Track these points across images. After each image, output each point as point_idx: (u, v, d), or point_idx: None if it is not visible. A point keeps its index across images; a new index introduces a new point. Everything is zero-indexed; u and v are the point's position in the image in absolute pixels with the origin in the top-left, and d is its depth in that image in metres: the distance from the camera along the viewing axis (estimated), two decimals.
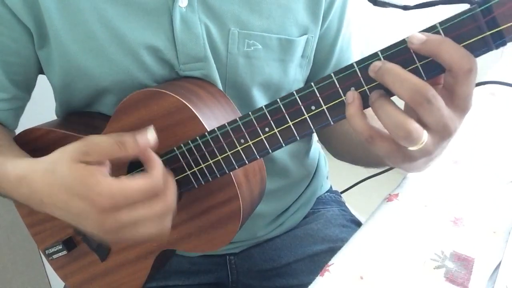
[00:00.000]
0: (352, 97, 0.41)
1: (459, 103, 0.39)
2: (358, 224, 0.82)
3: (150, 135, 0.44)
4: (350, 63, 0.70)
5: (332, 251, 0.57)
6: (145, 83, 0.57)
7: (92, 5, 0.53)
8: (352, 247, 0.56)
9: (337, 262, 0.54)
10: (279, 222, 0.76)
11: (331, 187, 0.89)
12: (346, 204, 0.88)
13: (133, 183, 0.42)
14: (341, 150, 0.75)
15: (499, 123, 0.81)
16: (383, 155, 0.43)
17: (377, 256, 0.55)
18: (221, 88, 0.60)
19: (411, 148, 0.40)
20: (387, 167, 0.71)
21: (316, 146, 0.84)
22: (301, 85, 0.68)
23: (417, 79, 0.38)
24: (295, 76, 0.65)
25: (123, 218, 0.42)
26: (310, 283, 0.52)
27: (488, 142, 0.76)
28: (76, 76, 0.57)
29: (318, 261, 0.73)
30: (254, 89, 0.62)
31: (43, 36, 0.56)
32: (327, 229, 0.77)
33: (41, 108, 0.71)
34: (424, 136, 0.39)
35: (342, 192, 0.92)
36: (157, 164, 0.44)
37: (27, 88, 0.64)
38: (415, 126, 0.38)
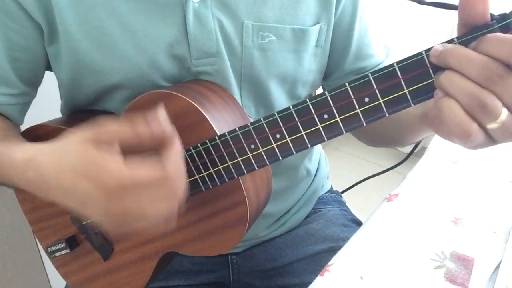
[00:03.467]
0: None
1: None
2: (359, 223, 0.82)
3: (159, 111, 0.42)
4: (369, 49, 0.68)
5: (333, 251, 0.57)
6: (155, 80, 0.57)
7: (105, 1, 0.53)
8: (352, 247, 0.57)
9: (337, 262, 0.54)
10: (281, 222, 0.76)
11: (331, 187, 0.89)
12: (347, 204, 0.88)
13: (143, 168, 0.40)
14: (373, 134, 0.71)
15: None
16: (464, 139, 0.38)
17: (377, 256, 0.55)
18: (235, 83, 0.59)
19: (489, 126, 0.36)
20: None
21: (317, 147, 0.84)
22: (317, 75, 0.67)
23: (484, 57, 0.35)
24: (310, 66, 0.64)
25: (129, 203, 0.41)
26: (311, 282, 0.52)
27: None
28: (85, 72, 0.57)
29: (320, 260, 0.73)
30: (270, 82, 0.61)
31: (53, 32, 0.56)
32: (328, 229, 0.77)
33: (46, 106, 0.71)
34: (503, 112, 0.35)
35: (342, 192, 0.92)
36: (172, 151, 0.42)
37: (34, 84, 0.63)
38: (489, 94, 0.35)
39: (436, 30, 1.80)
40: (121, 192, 0.40)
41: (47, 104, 0.71)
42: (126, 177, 0.40)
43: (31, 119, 0.66)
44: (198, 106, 0.50)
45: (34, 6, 0.53)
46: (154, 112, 0.41)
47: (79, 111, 0.65)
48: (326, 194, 0.86)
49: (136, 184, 0.40)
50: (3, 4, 0.53)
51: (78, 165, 0.41)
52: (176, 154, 0.42)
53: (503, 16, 0.35)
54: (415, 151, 0.73)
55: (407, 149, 0.73)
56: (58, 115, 0.69)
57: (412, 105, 0.39)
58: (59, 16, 0.53)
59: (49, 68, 0.63)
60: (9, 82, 0.59)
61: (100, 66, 0.56)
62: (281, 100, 0.64)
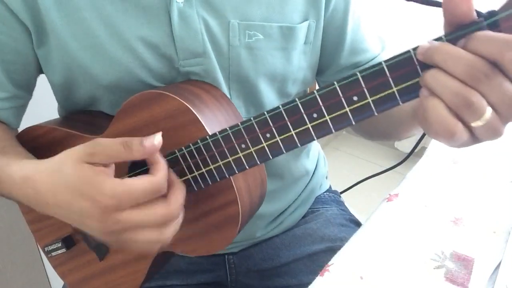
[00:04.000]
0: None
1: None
2: (357, 223, 0.82)
3: (156, 140, 0.44)
4: (364, 43, 0.68)
5: (331, 251, 0.57)
6: (146, 81, 0.57)
7: (91, 2, 0.53)
8: (352, 247, 0.56)
9: (337, 262, 0.54)
10: (278, 222, 0.76)
11: (330, 187, 0.89)
12: (346, 204, 0.88)
13: (137, 183, 0.43)
14: (367, 127, 0.73)
15: None
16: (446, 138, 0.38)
17: (377, 256, 0.55)
18: (224, 83, 0.59)
19: (474, 124, 0.36)
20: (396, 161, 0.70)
21: (316, 146, 0.84)
22: (307, 72, 0.67)
23: (470, 55, 0.34)
24: (299, 64, 0.64)
25: (124, 219, 0.43)
26: (309, 282, 0.52)
27: (488, 142, 0.76)
28: (76, 74, 0.57)
29: (317, 261, 0.73)
30: (259, 81, 0.61)
31: (42, 35, 0.56)
32: (326, 229, 0.77)
33: (43, 107, 0.71)
34: (488, 111, 0.35)
35: (342, 192, 0.92)
36: (161, 166, 0.45)
37: (27, 87, 0.63)
38: (475, 93, 0.34)
39: (430, 23, 1.80)
40: (117, 209, 0.42)
41: (44, 105, 0.71)
42: (121, 193, 0.42)
43: (28, 120, 0.66)
44: (189, 106, 0.50)
45: (21, 7, 0.53)
46: (151, 137, 0.44)
47: (76, 112, 0.65)
48: (324, 193, 0.86)
49: (131, 198, 0.42)
50: None
51: (73, 185, 0.43)
52: (164, 166, 0.45)
53: (491, 13, 0.34)
54: (415, 151, 0.73)
55: (407, 149, 0.73)
56: (55, 116, 0.69)
57: (400, 103, 0.39)
58: (47, 18, 0.53)
59: (42, 71, 0.62)
60: (1, 85, 0.59)
61: (90, 68, 0.56)
62: (271, 99, 0.64)
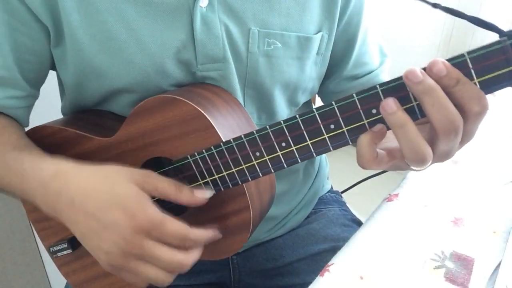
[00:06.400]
0: (378, 128, 0.41)
1: (463, 138, 0.40)
2: (359, 223, 0.82)
3: (208, 194, 0.48)
4: (366, 57, 0.69)
5: (334, 250, 0.57)
6: (160, 85, 0.57)
7: (112, 6, 0.53)
8: (352, 247, 0.57)
9: (337, 262, 0.54)
10: (282, 223, 0.76)
11: (331, 187, 0.90)
12: (347, 204, 0.88)
13: (176, 224, 0.45)
14: None
15: (499, 123, 0.81)
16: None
17: (377, 256, 0.55)
18: (239, 89, 0.60)
19: (414, 168, 0.40)
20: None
21: None
22: (315, 82, 0.68)
23: (454, 109, 0.37)
24: (310, 74, 0.65)
25: (146, 247, 0.44)
26: (312, 282, 0.52)
27: (488, 142, 0.76)
28: (90, 75, 0.57)
29: (320, 260, 0.73)
30: (274, 89, 0.62)
31: (59, 34, 0.56)
32: (328, 229, 0.77)
33: (46, 106, 0.71)
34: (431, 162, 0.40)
35: (342, 192, 0.92)
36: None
37: (38, 85, 0.64)
38: (430, 154, 0.39)
39: (433, 30, 1.80)
40: (146, 233, 0.44)
41: (47, 104, 0.71)
42: (158, 222, 0.44)
43: (31, 119, 0.66)
44: (203, 112, 0.50)
45: (41, 8, 0.53)
46: (203, 191, 0.49)
47: (83, 112, 0.65)
48: (327, 194, 0.86)
49: (163, 231, 0.44)
50: (10, 6, 0.53)
51: (117, 197, 0.45)
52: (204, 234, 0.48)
53: None
54: None
55: None
56: (58, 115, 0.69)
57: (419, 117, 0.40)
58: (65, 19, 0.53)
59: (52, 68, 0.63)
60: (17, 84, 0.59)
61: (105, 70, 0.56)
62: (282, 107, 0.65)
